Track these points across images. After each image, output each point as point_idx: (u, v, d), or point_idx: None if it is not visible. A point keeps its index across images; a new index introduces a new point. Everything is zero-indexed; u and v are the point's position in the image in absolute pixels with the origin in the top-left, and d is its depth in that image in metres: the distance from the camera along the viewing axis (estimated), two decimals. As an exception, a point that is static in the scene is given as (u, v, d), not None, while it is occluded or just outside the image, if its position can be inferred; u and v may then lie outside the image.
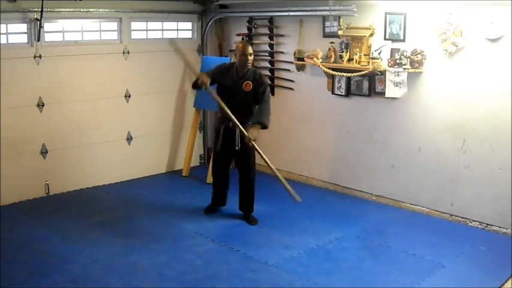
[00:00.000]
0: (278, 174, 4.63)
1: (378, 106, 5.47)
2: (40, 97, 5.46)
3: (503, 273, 4.00)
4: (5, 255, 4.16)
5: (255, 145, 4.61)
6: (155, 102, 6.43)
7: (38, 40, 5.28)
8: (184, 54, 4.89)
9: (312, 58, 5.66)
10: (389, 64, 5.10)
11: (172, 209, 5.34)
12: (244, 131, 4.60)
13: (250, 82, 4.74)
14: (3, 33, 5.14)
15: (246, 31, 6.51)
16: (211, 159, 5.42)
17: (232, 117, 4.61)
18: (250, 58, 4.74)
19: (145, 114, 6.36)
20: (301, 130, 6.23)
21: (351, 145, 5.80)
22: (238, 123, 4.62)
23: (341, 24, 5.43)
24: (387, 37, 5.20)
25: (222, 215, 5.19)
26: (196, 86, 4.79)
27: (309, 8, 5.60)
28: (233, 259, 4.24)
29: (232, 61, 5.50)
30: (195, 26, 6.76)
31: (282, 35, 6.22)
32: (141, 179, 6.36)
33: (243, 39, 6.51)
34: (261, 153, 4.62)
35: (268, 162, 4.58)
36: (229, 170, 5.14)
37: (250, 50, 4.74)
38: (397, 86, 5.10)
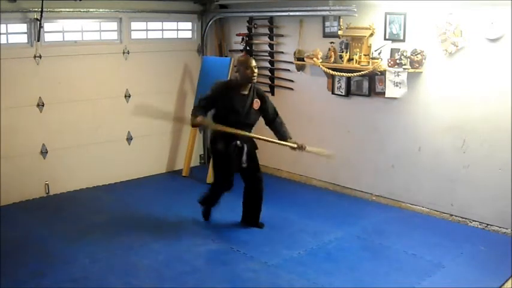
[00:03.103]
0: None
1: (378, 106, 5.47)
2: (40, 97, 5.46)
3: (503, 273, 4.00)
4: (5, 255, 4.16)
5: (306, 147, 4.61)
6: (155, 102, 6.40)
7: (38, 40, 5.28)
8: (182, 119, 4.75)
9: (312, 58, 5.66)
10: (389, 64, 5.10)
11: (172, 209, 5.33)
12: (292, 145, 4.57)
13: (257, 100, 4.58)
14: (3, 33, 5.14)
15: (246, 31, 6.51)
16: (214, 168, 4.95)
17: (253, 135, 4.62)
18: (256, 71, 4.51)
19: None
20: (301, 130, 6.22)
21: (351, 145, 5.80)
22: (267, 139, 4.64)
23: (341, 24, 5.43)
24: (387, 37, 5.19)
25: (222, 215, 5.18)
26: (196, 126, 4.80)
27: (309, 8, 5.60)
28: (233, 259, 4.23)
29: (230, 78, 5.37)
30: (195, 26, 6.76)
31: (282, 35, 6.22)
32: (141, 179, 6.36)
33: (242, 39, 6.52)
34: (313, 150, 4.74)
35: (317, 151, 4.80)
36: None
37: (254, 62, 4.51)
38: (397, 86, 5.10)
